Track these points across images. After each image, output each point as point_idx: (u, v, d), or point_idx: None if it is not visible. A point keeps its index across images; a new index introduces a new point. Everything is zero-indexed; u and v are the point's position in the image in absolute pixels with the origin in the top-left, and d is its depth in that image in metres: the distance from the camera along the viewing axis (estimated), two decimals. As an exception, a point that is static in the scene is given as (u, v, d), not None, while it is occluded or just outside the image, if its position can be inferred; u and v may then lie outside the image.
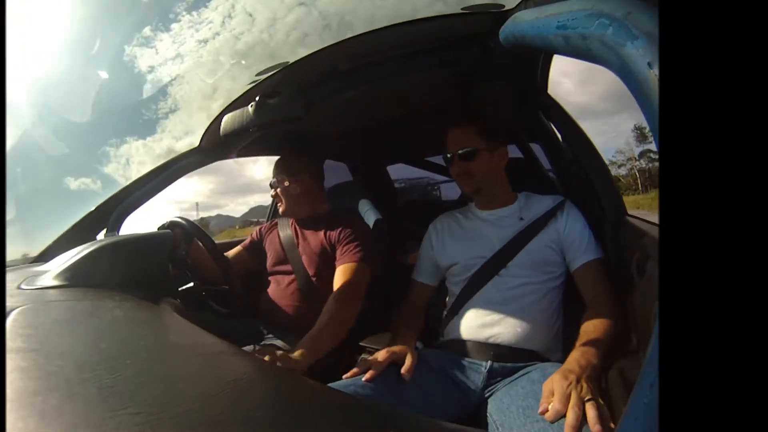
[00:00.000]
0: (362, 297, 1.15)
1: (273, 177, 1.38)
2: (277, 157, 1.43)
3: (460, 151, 1.07)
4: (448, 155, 1.10)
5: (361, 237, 1.26)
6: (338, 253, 1.24)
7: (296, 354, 0.89)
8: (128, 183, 1.32)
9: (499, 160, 1.09)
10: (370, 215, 1.51)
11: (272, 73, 1.05)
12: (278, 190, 1.35)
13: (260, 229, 1.52)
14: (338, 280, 1.17)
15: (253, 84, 1.11)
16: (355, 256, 1.21)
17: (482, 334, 0.97)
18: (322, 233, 1.30)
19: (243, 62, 1.12)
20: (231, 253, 1.46)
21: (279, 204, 1.38)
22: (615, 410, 0.66)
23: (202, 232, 1.18)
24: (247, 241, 1.50)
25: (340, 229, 1.28)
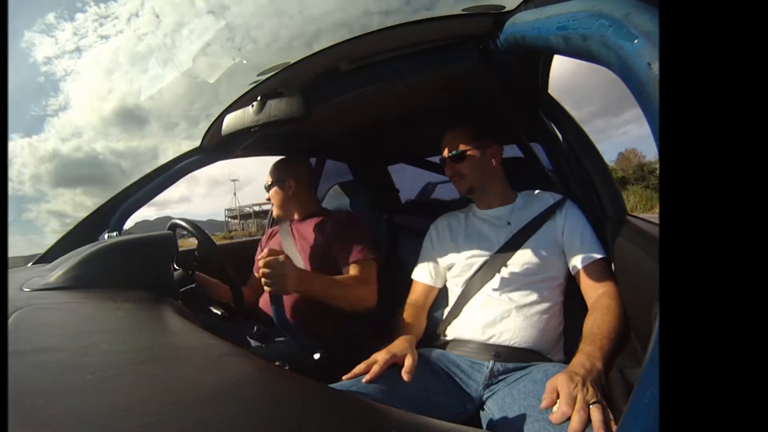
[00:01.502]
0: (375, 296, 1.19)
1: (266, 182, 1.46)
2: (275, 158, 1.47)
3: (450, 154, 1.12)
4: (442, 158, 1.15)
5: (362, 232, 1.29)
6: (342, 250, 1.26)
7: (301, 271, 0.99)
8: (130, 183, 1.33)
9: (491, 159, 1.11)
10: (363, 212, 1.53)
11: (274, 73, 1.05)
12: (271, 193, 1.44)
13: (261, 245, 1.56)
14: (357, 273, 1.21)
15: (255, 84, 1.11)
16: (364, 253, 1.24)
17: (483, 334, 0.97)
18: (317, 231, 1.32)
19: (245, 62, 1.12)
20: (255, 282, 1.48)
21: (272, 207, 1.46)
22: (616, 410, 0.66)
23: (203, 232, 1.19)
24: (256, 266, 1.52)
25: (336, 224, 1.31)
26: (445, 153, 1.14)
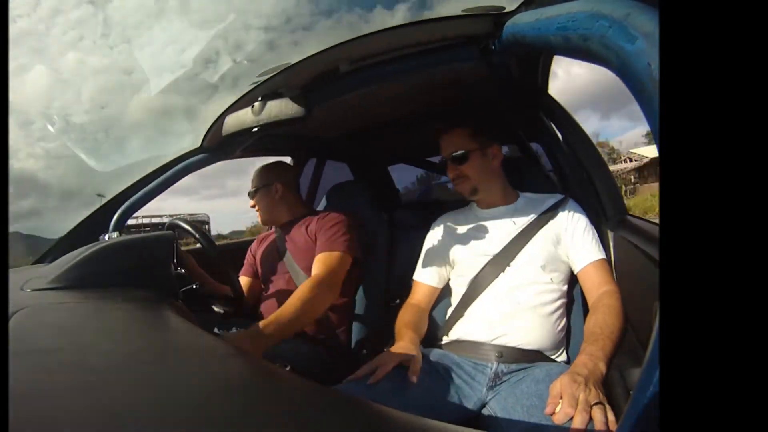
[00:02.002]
0: (337, 286, 1.16)
1: (251, 188, 1.45)
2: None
3: (451, 155, 1.11)
4: (443, 159, 1.14)
5: (339, 226, 1.28)
6: (317, 243, 1.27)
7: (252, 330, 0.92)
8: (131, 184, 1.33)
9: (492, 159, 1.12)
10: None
11: (274, 74, 1.05)
12: (256, 198, 1.44)
13: (250, 251, 1.54)
14: (314, 268, 1.20)
15: (255, 85, 1.11)
16: (331, 245, 1.22)
17: (487, 335, 0.97)
18: (304, 230, 1.33)
19: (246, 62, 1.12)
20: (244, 286, 1.45)
21: (257, 213, 1.44)
22: (616, 410, 0.66)
23: (203, 232, 1.19)
24: (248, 270, 1.50)
25: (318, 221, 1.31)
26: (445, 154, 1.13)
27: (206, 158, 1.38)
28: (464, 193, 1.14)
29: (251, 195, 1.44)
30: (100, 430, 0.29)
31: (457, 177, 1.12)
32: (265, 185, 1.41)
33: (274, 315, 1.01)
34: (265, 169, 1.45)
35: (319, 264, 1.20)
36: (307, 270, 1.29)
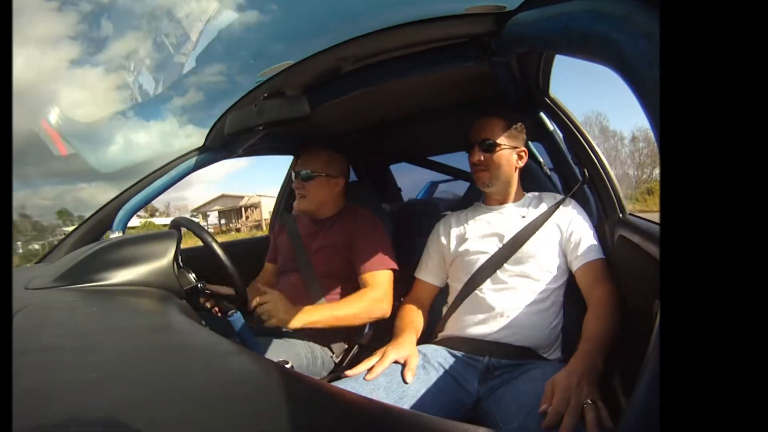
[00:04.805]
0: (390, 303, 1.19)
1: (305, 169, 1.29)
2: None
3: (481, 140, 1.09)
4: (470, 141, 1.11)
5: (383, 237, 1.27)
6: (361, 254, 1.23)
7: (297, 308, 1.05)
8: (133, 183, 1.33)
9: (518, 159, 1.11)
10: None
11: (277, 73, 1.06)
12: (309, 184, 1.29)
13: (273, 234, 1.51)
14: (372, 284, 1.20)
15: (258, 84, 1.12)
16: (384, 262, 1.22)
17: (480, 330, 0.97)
18: (338, 231, 1.29)
19: (252, 61, 1.12)
20: (268, 274, 1.45)
21: (301, 198, 1.30)
22: (615, 409, 0.66)
23: (205, 230, 1.19)
24: (272, 255, 1.46)
25: (359, 228, 1.27)
26: (475, 138, 1.10)
27: (209, 157, 1.38)
28: (478, 181, 1.13)
29: (305, 177, 1.28)
30: (104, 428, 0.29)
31: (478, 163, 1.10)
32: (327, 174, 1.29)
33: (327, 307, 1.15)
34: (335, 158, 1.33)
35: (376, 281, 1.20)
36: (323, 274, 1.27)
